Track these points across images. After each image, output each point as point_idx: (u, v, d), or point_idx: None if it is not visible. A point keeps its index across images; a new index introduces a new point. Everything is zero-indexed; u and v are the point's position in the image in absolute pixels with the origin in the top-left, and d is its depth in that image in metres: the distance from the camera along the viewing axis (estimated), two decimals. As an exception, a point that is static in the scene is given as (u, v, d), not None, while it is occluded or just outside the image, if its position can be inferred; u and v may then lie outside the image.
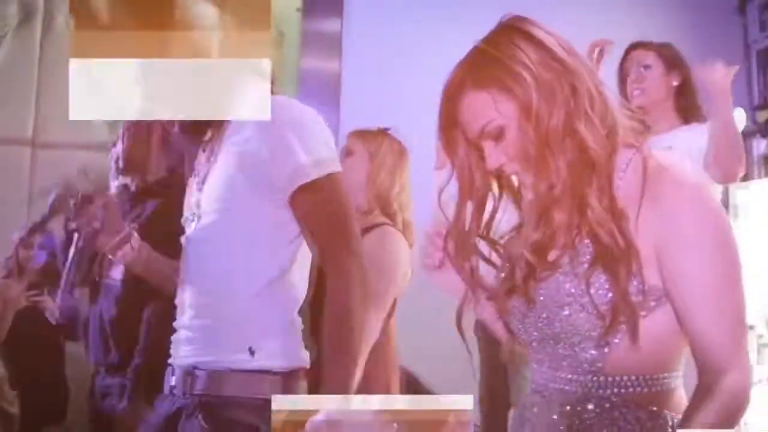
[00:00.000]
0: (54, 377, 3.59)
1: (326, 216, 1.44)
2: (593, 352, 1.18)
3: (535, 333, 1.25)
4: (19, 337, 3.38)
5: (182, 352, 1.52)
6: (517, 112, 1.17)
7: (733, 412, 1.11)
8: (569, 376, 1.22)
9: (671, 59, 2.55)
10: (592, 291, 1.15)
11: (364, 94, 3.97)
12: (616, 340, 1.16)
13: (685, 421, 1.12)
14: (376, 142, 2.27)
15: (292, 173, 1.44)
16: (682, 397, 1.21)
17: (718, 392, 1.10)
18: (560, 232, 1.17)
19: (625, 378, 1.18)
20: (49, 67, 4.61)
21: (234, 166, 1.49)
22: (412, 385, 2.96)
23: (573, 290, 1.17)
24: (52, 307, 3.41)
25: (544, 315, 1.21)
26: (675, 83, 2.53)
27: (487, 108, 1.19)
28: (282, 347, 1.46)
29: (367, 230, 2.13)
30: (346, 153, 2.24)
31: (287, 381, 1.43)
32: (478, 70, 1.20)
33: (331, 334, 1.39)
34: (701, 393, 1.13)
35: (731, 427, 1.10)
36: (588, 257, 1.16)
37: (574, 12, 4.05)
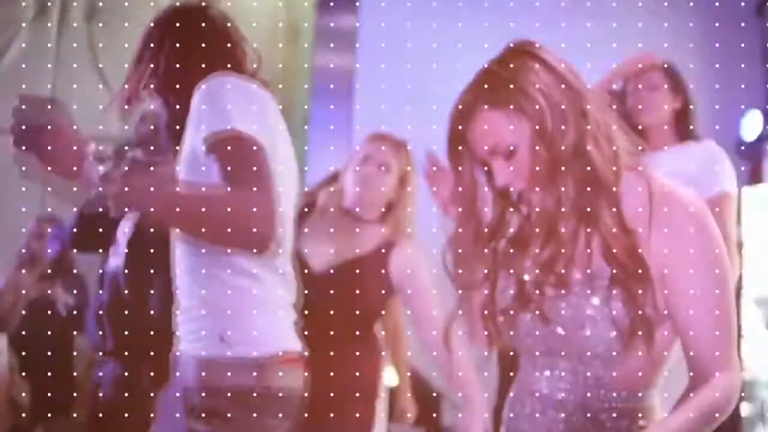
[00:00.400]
0: (63, 367, 3.61)
1: (227, 173, 1.36)
2: (599, 369, 1.24)
3: (542, 346, 1.28)
4: (30, 326, 3.41)
5: (177, 340, 1.53)
6: (530, 133, 1.20)
7: (721, 405, 1.20)
8: (569, 386, 1.27)
9: (676, 82, 2.53)
10: (613, 311, 1.19)
11: (379, 90, 3.96)
12: (620, 358, 1.22)
13: (677, 407, 1.21)
14: (406, 159, 2.29)
15: (203, 135, 1.40)
16: (660, 412, 1.29)
17: (708, 385, 1.19)
18: (567, 247, 1.22)
19: (623, 393, 1.25)
20: (64, 60, 4.63)
21: (182, 158, 1.49)
22: (421, 385, 2.96)
23: (593, 312, 1.21)
24: (63, 297, 3.44)
25: (559, 332, 1.24)
26: (677, 106, 2.51)
27: (500, 127, 1.22)
28: (258, 335, 1.45)
29: (388, 246, 2.23)
30: (384, 167, 2.25)
31: (265, 368, 1.43)
32: (492, 91, 1.22)
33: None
34: (693, 386, 1.22)
35: (716, 415, 1.20)
36: (606, 278, 1.21)
37: (594, 13, 4.04)
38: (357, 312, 2.19)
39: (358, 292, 2.16)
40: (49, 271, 3.61)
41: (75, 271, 3.69)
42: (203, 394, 1.40)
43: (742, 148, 4.35)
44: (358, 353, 2.21)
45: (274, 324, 1.49)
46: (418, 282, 2.22)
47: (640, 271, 1.18)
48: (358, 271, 2.18)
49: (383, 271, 2.20)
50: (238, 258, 1.44)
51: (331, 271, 2.18)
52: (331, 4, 4.38)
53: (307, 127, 4.29)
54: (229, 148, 1.37)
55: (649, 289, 1.19)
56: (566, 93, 1.21)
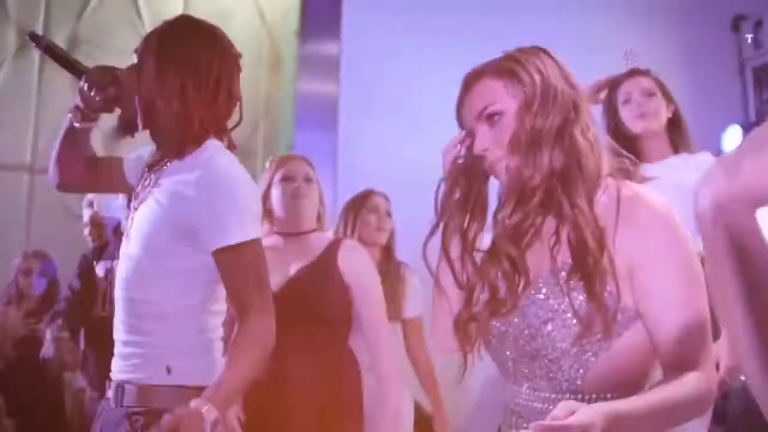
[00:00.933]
0: (52, 406, 3.56)
1: (244, 279, 1.57)
2: (571, 370, 1.22)
3: (514, 351, 1.27)
4: (18, 365, 3.37)
5: (116, 367, 1.64)
6: (520, 101, 1.26)
7: (689, 405, 1.15)
8: (548, 395, 1.25)
9: (666, 90, 2.54)
10: (574, 303, 1.19)
11: (362, 118, 3.97)
12: (593, 358, 1.20)
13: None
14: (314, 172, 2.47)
15: (218, 234, 1.56)
16: None
17: (676, 382, 1.14)
18: (532, 216, 1.25)
19: (602, 396, 1.21)
20: (48, 94, 4.63)
21: (165, 207, 1.60)
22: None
23: (556, 306, 1.21)
24: (50, 337, 3.40)
25: (526, 332, 1.24)
26: (669, 115, 2.51)
27: (493, 92, 1.28)
28: (197, 366, 1.60)
29: (335, 246, 2.30)
30: (308, 179, 2.37)
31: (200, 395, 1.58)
32: (498, 64, 1.30)
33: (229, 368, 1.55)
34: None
35: (680, 415, 1.16)
36: (567, 270, 1.21)
37: (570, 30, 4.08)
38: (324, 321, 2.20)
39: (317, 296, 2.19)
40: (39, 307, 3.57)
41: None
42: (149, 417, 1.53)
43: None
44: (335, 369, 2.21)
45: (213, 357, 1.64)
46: (366, 279, 2.28)
47: (602, 258, 1.18)
48: (312, 276, 2.22)
49: (335, 269, 2.24)
50: (175, 297, 1.59)
51: (286, 284, 2.19)
52: (314, 31, 4.40)
53: (292, 153, 4.31)
54: (241, 259, 1.56)
55: (611, 282, 1.18)
56: (564, 82, 1.27)
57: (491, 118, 1.28)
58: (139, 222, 1.63)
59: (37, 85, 4.67)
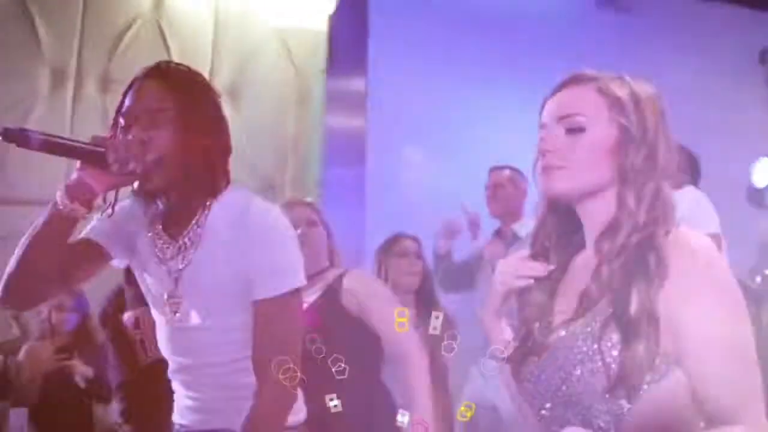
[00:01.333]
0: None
1: (282, 330, 1.54)
2: (606, 416, 1.15)
3: (549, 398, 1.22)
4: (50, 399, 3.39)
5: (196, 419, 1.64)
6: (618, 132, 1.21)
7: None
8: None
9: None
10: (603, 347, 1.13)
11: (389, 153, 3.99)
12: (627, 405, 1.13)
13: None
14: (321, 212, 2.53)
15: (270, 284, 1.54)
16: None
17: None
18: (622, 251, 1.18)
19: None
20: (81, 133, 4.68)
21: (225, 272, 1.56)
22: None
23: (585, 348, 1.16)
24: (83, 369, 3.43)
25: (557, 376, 1.19)
26: None
27: (591, 107, 1.22)
28: (296, 405, 1.63)
29: (339, 279, 2.35)
30: (312, 224, 2.42)
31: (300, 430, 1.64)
32: (614, 84, 1.24)
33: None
34: None
35: None
36: (602, 317, 1.16)
37: (596, 58, 4.09)
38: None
39: (325, 330, 2.14)
40: (71, 342, 3.60)
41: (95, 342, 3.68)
42: None
43: (753, 194, 4.36)
44: (365, 405, 2.18)
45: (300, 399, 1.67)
46: (370, 301, 2.29)
47: (644, 306, 1.12)
48: (318, 311, 2.22)
49: (337, 302, 2.27)
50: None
51: None
52: (341, 67, 4.46)
53: (321, 189, 4.34)
54: (285, 309, 1.54)
55: (649, 326, 1.11)
56: (664, 133, 1.23)
57: (573, 127, 1.22)
58: (196, 293, 1.57)
59: (69, 125, 4.74)
